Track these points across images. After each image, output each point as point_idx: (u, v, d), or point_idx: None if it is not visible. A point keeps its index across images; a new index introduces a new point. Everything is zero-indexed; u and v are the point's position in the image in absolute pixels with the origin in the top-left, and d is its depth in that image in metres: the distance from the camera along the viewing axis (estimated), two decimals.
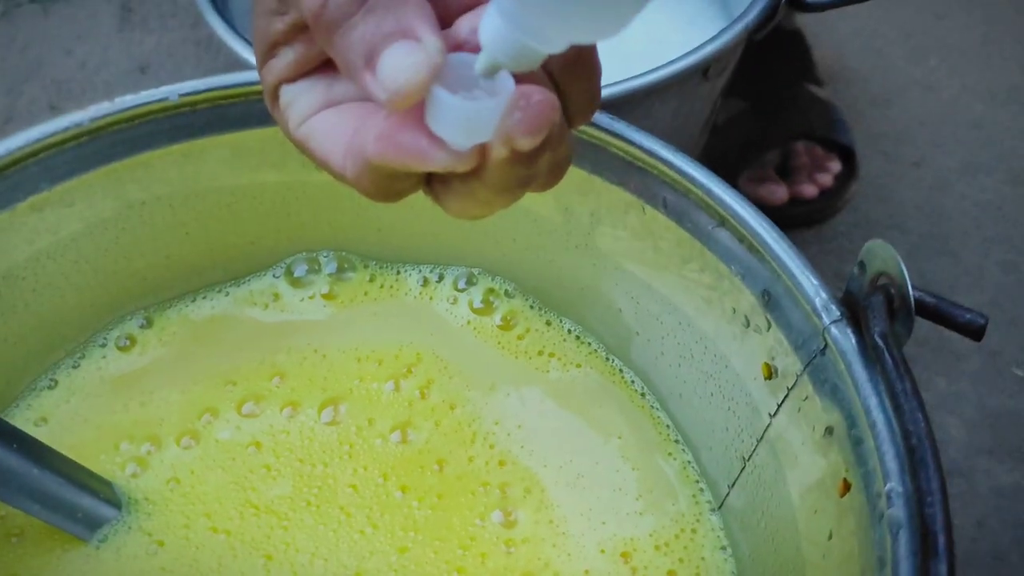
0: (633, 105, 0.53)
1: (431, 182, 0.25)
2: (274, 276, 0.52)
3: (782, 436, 0.38)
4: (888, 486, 0.30)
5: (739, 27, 0.55)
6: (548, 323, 0.50)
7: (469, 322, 0.50)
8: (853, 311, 0.34)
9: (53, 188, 0.43)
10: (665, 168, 0.40)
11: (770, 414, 0.39)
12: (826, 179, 0.81)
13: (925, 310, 0.32)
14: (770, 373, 0.39)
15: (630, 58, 0.56)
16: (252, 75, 0.44)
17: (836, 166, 0.82)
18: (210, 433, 0.46)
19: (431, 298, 0.51)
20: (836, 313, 0.34)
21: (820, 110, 0.83)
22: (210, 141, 0.45)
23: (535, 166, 0.24)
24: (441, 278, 0.52)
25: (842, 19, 0.99)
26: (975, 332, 0.32)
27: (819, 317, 0.35)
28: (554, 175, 0.26)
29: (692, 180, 0.39)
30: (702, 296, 0.42)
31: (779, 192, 0.80)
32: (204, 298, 0.51)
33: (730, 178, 0.39)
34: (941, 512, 0.28)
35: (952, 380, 0.72)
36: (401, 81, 0.22)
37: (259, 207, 0.49)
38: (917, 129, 0.91)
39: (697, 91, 0.58)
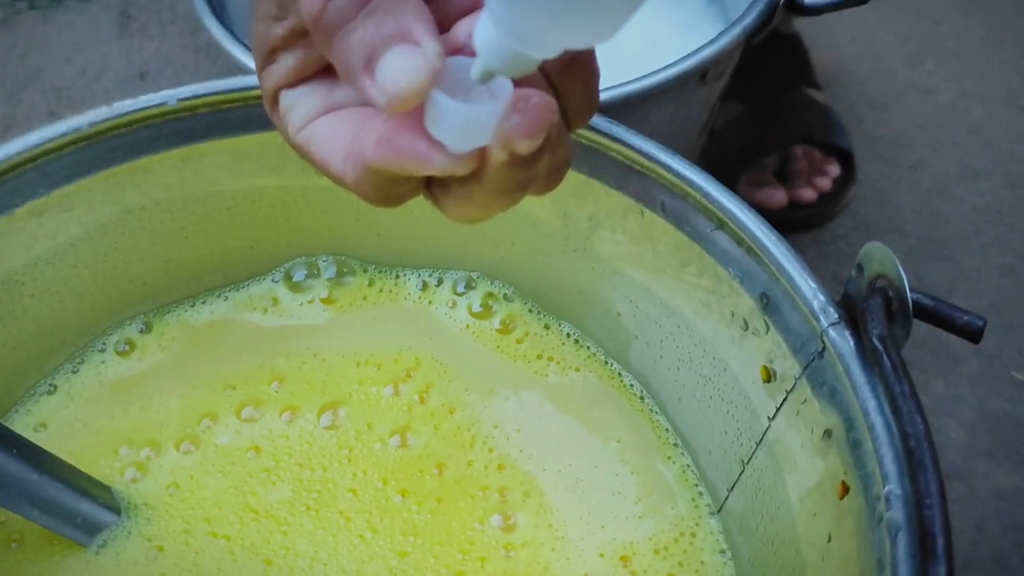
0: (631, 109, 0.53)
1: (430, 186, 0.25)
2: (273, 281, 0.52)
3: (781, 439, 0.38)
4: (887, 488, 0.30)
5: (737, 31, 0.55)
6: (547, 327, 0.50)
7: (468, 326, 0.50)
8: (851, 314, 0.34)
9: (52, 193, 0.43)
10: (663, 171, 0.40)
11: (769, 417, 0.39)
12: (824, 183, 0.81)
13: (923, 312, 0.32)
14: (769, 376, 0.39)
15: (627, 61, 0.56)
16: (251, 79, 0.44)
17: (834, 170, 0.82)
18: (209, 438, 0.46)
19: (430, 302, 0.51)
20: (834, 316, 0.34)
21: (818, 114, 0.83)
22: (209, 146, 0.45)
23: (534, 169, 0.24)
24: (440, 282, 0.52)
25: (840, 23, 0.99)
26: (973, 334, 0.32)
27: (817, 320, 0.35)
28: (553, 178, 0.26)
29: (690, 183, 0.39)
30: (701, 299, 0.42)
31: (777, 196, 0.80)
32: (203, 303, 0.51)
33: (728, 182, 0.39)
34: (940, 514, 0.28)
35: (951, 383, 0.72)
36: (400, 85, 0.22)
37: (258, 212, 0.49)
38: (915, 133, 0.91)
39: (695, 95, 0.58)
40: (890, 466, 0.30)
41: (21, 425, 0.46)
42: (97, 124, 0.42)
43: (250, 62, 0.54)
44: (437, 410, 0.47)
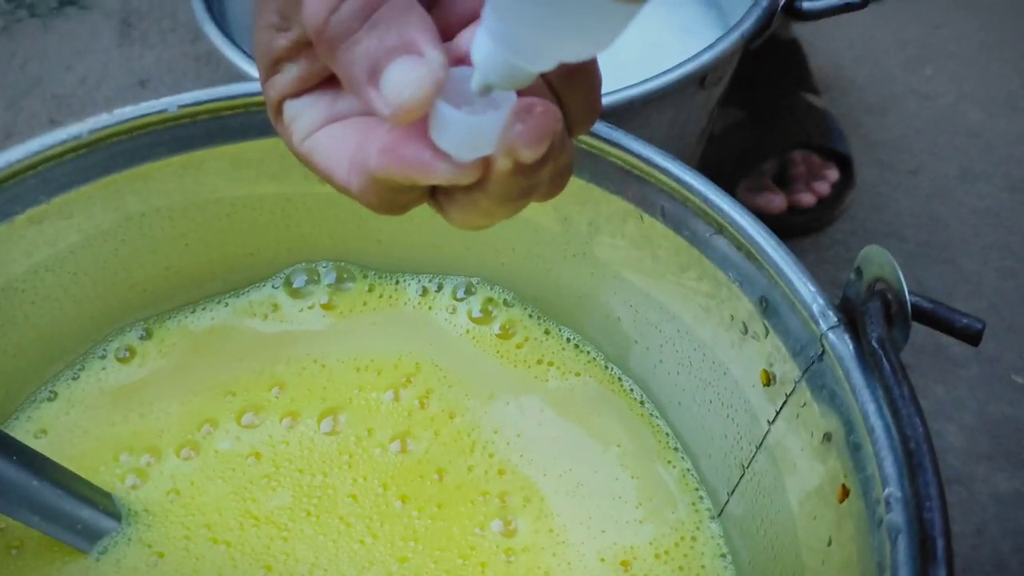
0: (631, 114, 0.53)
1: (434, 194, 0.26)
2: (273, 287, 0.52)
3: (781, 443, 0.38)
4: (887, 491, 0.30)
5: (735, 36, 0.55)
6: (547, 332, 0.50)
7: (468, 331, 0.50)
8: (850, 317, 0.34)
9: (52, 200, 0.43)
10: (663, 176, 0.40)
11: (768, 421, 0.39)
12: (823, 188, 0.81)
13: (922, 315, 0.32)
14: (768, 380, 0.39)
15: (626, 67, 0.56)
16: (252, 86, 0.44)
17: (833, 175, 0.82)
18: (210, 444, 0.46)
19: (430, 308, 0.51)
20: (833, 319, 0.34)
21: (817, 119, 0.83)
22: (209, 152, 0.45)
23: (537, 176, 0.24)
24: (440, 288, 0.52)
25: (838, 28, 1.00)
26: (972, 337, 0.32)
27: (816, 323, 0.35)
28: (556, 184, 0.26)
29: (690, 188, 0.39)
30: (700, 304, 0.42)
31: (777, 201, 0.80)
32: (203, 309, 0.51)
33: (727, 187, 0.39)
34: (940, 517, 0.28)
35: (950, 387, 0.72)
36: (405, 96, 0.22)
37: (258, 218, 0.49)
38: (914, 137, 0.91)
39: (694, 100, 0.58)
40: (890, 469, 0.30)
41: (22, 432, 0.46)
42: (97, 131, 0.43)
43: (251, 69, 0.54)
44: (437, 415, 0.47)
